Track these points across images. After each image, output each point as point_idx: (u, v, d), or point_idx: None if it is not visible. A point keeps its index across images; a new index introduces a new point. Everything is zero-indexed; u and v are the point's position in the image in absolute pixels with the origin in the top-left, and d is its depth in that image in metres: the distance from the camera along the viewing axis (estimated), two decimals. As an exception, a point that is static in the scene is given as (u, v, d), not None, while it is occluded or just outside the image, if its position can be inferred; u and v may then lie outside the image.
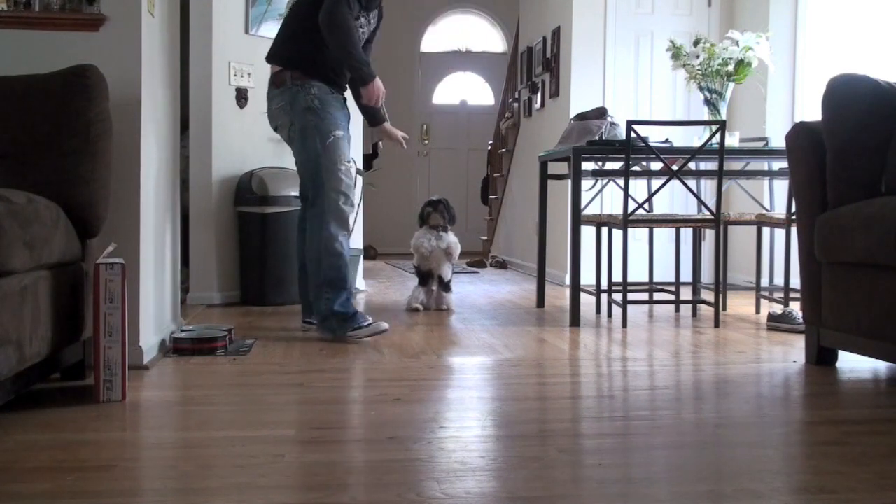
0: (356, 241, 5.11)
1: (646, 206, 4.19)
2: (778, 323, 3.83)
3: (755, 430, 2.19)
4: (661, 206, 5.27)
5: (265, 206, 4.58)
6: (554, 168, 4.83)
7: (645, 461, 1.93)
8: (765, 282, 4.66)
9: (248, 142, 4.79)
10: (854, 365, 3.00)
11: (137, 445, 2.06)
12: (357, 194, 4.41)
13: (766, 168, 4.75)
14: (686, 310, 4.41)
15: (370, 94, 3.54)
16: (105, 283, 2.31)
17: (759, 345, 3.47)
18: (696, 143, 4.05)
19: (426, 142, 10.13)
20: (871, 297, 2.67)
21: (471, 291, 5.56)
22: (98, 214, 2.55)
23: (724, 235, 4.52)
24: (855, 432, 2.14)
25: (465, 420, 2.28)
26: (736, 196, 5.58)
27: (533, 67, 7.05)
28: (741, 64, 4.13)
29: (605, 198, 5.52)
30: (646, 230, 4.92)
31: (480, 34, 10.28)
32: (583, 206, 4.12)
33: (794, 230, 3.53)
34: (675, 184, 4.18)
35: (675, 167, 3.99)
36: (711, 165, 4.36)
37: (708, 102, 4.22)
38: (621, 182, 4.13)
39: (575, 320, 3.97)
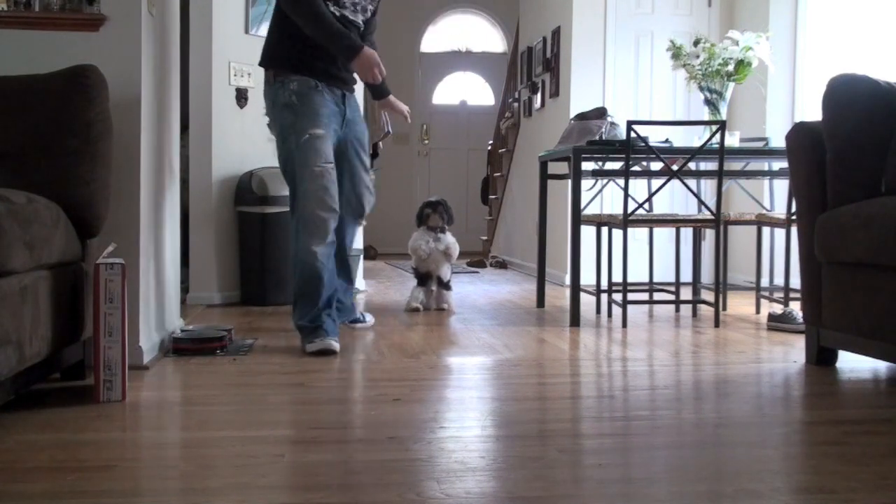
0: (356, 241, 5.11)
1: (646, 206, 4.19)
2: (778, 323, 3.83)
3: (755, 430, 2.19)
4: (661, 206, 5.27)
5: (265, 206, 4.58)
6: (554, 168, 4.83)
7: (645, 461, 1.93)
8: (765, 282, 4.66)
9: (248, 142, 4.79)
10: (854, 365, 3.00)
11: (137, 445, 2.06)
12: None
13: (766, 168, 4.75)
14: (686, 310, 4.41)
15: (363, 69, 3.24)
16: (105, 283, 2.31)
17: (759, 345, 3.47)
18: (696, 143, 4.05)
19: (426, 142, 10.13)
20: (871, 297, 2.67)
21: (471, 291, 5.56)
22: (98, 214, 2.55)
23: (724, 235, 4.52)
24: (855, 432, 2.14)
25: (465, 420, 2.28)
26: (736, 196, 5.58)
27: (533, 67, 7.05)
28: (741, 64, 4.13)
29: (605, 198, 5.52)
30: (646, 230, 4.92)
31: (480, 34, 10.28)
32: (583, 206, 4.12)
33: (794, 230, 3.53)
34: (675, 184, 4.18)
35: (675, 167, 3.99)
36: (711, 165, 4.36)
37: (708, 102, 4.22)
38: (621, 182, 4.13)
39: (575, 320, 3.97)
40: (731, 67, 4.13)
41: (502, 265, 7.68)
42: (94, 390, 2.35)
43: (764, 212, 4.42)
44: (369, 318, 3.89)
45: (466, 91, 10.29)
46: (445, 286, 4.55)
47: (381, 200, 8.41)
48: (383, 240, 9.04)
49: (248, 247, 4.68)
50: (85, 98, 2.54)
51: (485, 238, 8.76)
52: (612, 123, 4.21)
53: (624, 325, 3.91)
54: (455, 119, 10.22)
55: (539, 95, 6.86)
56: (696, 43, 4.21)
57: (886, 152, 2.82)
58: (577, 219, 4.01)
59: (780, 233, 4.34)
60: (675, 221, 4.17)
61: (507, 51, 9.60)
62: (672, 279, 4.54)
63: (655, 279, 4.68)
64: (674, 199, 5.76)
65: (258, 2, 4.82)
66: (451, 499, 1.60)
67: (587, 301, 4.34)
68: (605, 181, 4.78)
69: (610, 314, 4.26)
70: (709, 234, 5.40)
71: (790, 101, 5.56)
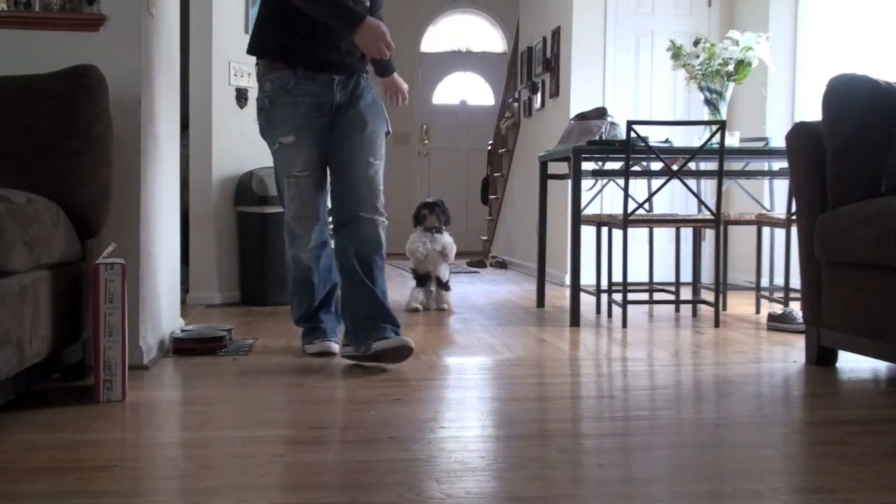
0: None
1: (646, 206, 4.19)
2: (778, 323, 3.83)
3: (755, 430, 2.19)
4: (661, 206, 5.27)
5: (265, 206, 4.58)
6: (554, 168, 4.83)
7: (645, 461, 1.93)
8: (765, 282, 4.66)
9: (248, 142, 4.78)
10: (854, 365, 2.99)
11: (137, 445, 2.06)
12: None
13: (766, 168, 4.75)
14: (686, 310, 4.41)
15: (367, 41, 2.86)
16: (105, 283, 2.31)
17: (759, 345, 3.47)
18: (696, 143, 4.05)
19: (426, 142, 10.13)
20: (871, 297, 2.67)
21: (471, 291, 5.56)
22: (98, 214, 2.55)
23: (724, 235, 4.52)
24: (855, 432, 2.14)
25: (465, 420, 2.28)
26: (736, 196, 5.58)
27: (533, 67, 7.05)
28: (741, 64, 4.13)
29: (605, 198, 5.52)
30: (646, 230, 4.92)
31: (480, 34, 10.27)
32: (583, 206, 4.12)
33: (794, 230, 3.53)
34: (675, 184, 4.18)
35: (675, 167, 3.99)
36: (711, 165, 4.36)
37: (708, 102, 4.22)
38: (621, 182, 4.13)
39: (575, 320, 3.97)
40: (731, 67, 4.13)
41: (502, 265, 7.68)
42: (94, 390, 2.34)
43: (764, 212, 4.42)
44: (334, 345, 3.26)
45: (466, 91, 10.28)
46: (444, 286, 4.55)
47: (381, 200, 8.46)
48: (383, 240, 9.02)
49: (248, 247, 4.68)
50: (85, 98, 2.54)
51: (485, 238, 8.76)
52: (612, 123, 4.22)
53: (624, 325, 3.91)
54: (455, 119, 10.22)
55: (539, 95, 6.86)
56: (696, 43, 4.21)
57: (886, 152, 2.82)
58: (577, 219, 4.01)
59: (780, 233, 4.34)
60: (675, 221, 4.17)
61: (507, 51, 9.60)
62: (672, 279, 4.54)
63: (655, 279, 4.69)
64: (674, 199, 5.76)
65: (258, 2, 4.81)
66: (451, 499, 1.60)
67: (587, 301, 4.34)
68: (605, 181, 4.78)
69: (610, 314, 4.26)
70: (709, 234, 5.40)
71: (790, 101, 5.56)
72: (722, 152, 3.87)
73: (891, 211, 2.55)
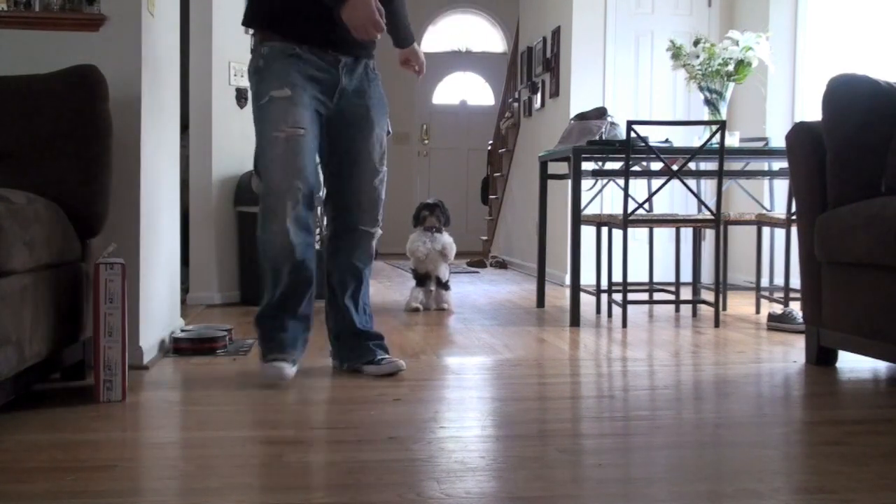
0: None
1: (646, 206, 4.19)
2: (778, 323, 3.83)
3: (755, 430, 2.19)
4: (661, 206, 5.27)
5: (265, 206, 4.57)
6: (554, 168, 4.83)
7: (645, 461, 1.93)
8: (765, 282, 4.66)
9: (248, 142, 4.75)
10: (854, 365, 2.99)
11: (137, 445, 2.06)
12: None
13: (766, 168, 4.75)
14: (686, 310, 4.41)
15: (354, 20, 2.50)
16: (105, 283, 2.31)
17: (759, 345, 3.47)
18: (696, 143, 4.05)
19: (426, 142, 10.13)
20: (871, 297, 2.67)
21: (471, 291, 5.56)
22: (98, 214, 2.55)
23: (724, 235, 4.52)
24: (855, 432, 2.14)
25: (465, 420, 2.28)
26: (736, 196, 5.58)
27: (533, 67, 7.05)
28: (741, 64, 4.13)
29: (605, 198, 5.52)
30: (646, 230, 4.91)
31: (480, 34, 10.27)
32: (583, 206, 4.12)
33: (794, 230, 3.53)
34: (675, 184, 4.18)
35: (675, 167, 3.99)
36: (711, 165, 4.36)
37: (708, 102, 4.22)
38: (621, 182, 4.13)
39: (575, 320, 3.97)
40: (731, 67, 4.13)
41: (502, 265, 7.68)
42: (94, 390, 2.35)
43: (764, 212, 4.43)
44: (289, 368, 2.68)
45: (466, 91, 10.28)
46: (444, 286, 4.56)
47: (381, 200, 8.46)
48: (383, 240, 8.97)
49: (248, 247, 4.68)
50: (85, 98, 2.54)
51: (485, 238, 8.76)
52: (612, 123, 4.22)
53: (624, 325, 3.91)
54: (455, 119, 10.22)
55: (539, 95, 6.86)
56: (696, 43, 4.21)
57: (886, 152, 2.82)
58: (577, 219, 4.01)
59: (780, 233, 4.34)
60: (675, 221, 4.17)
61: (507, 51, 9.60)
62: (672, 279, 4.54)
63: (655, 279, 4.68)
64: (674, 199, 5.76)
65: (258, 1, 4.81)
66: (451, 499, 1.60)
67: (587, 301, 4.34)
68: (605, 181, 4.78)
69: (610, 314, 4.26)
70: (709, 234, 5.40)
71: (790, 101, 5.56)
72: (722, 152, 3.87)
73: (891, 211, 2.55)
